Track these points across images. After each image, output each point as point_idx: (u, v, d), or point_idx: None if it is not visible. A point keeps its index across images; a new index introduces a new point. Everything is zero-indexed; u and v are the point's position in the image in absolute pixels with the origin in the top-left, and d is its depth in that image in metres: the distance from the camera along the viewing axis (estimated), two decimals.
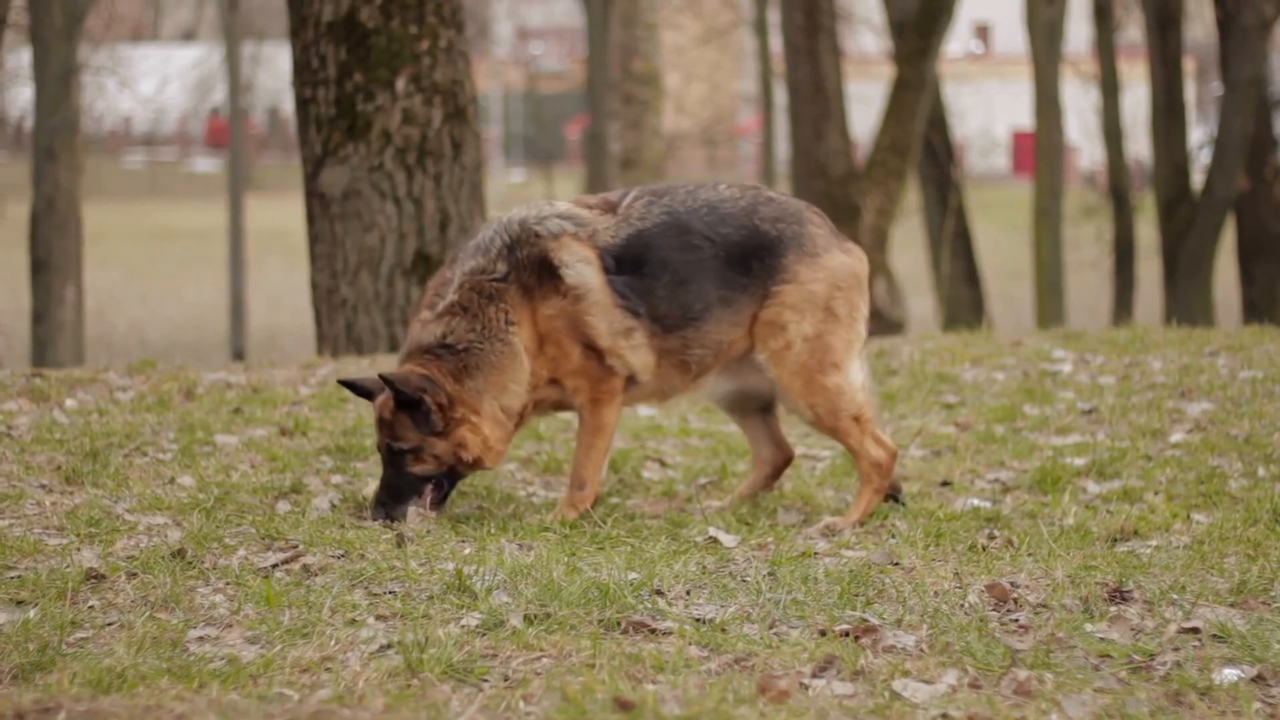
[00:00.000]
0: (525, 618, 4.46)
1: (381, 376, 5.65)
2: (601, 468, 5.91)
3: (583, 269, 5.72)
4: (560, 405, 6.02)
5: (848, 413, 5.85)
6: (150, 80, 49.25)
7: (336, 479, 6.23)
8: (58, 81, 23.29)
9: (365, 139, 9.67)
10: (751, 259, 5.80)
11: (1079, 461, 6.58)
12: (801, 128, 18.03)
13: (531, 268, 5.72)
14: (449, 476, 5.77)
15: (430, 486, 5.74)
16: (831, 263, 5.85)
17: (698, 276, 5.78)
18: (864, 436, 5.88)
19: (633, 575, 4.84)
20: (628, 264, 5.75)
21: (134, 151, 62.84)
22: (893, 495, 6.04)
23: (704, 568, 5.02)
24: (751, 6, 36.66)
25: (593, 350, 5.76)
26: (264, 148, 61.40)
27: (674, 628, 4.42)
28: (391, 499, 5.70)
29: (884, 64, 28.02)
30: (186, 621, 4.49)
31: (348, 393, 7.74)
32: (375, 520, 5.63)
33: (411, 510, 5.78)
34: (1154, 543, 5.45)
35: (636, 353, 5.79)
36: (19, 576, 4.81)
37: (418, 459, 5.71)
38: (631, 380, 5.85)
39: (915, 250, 25.71)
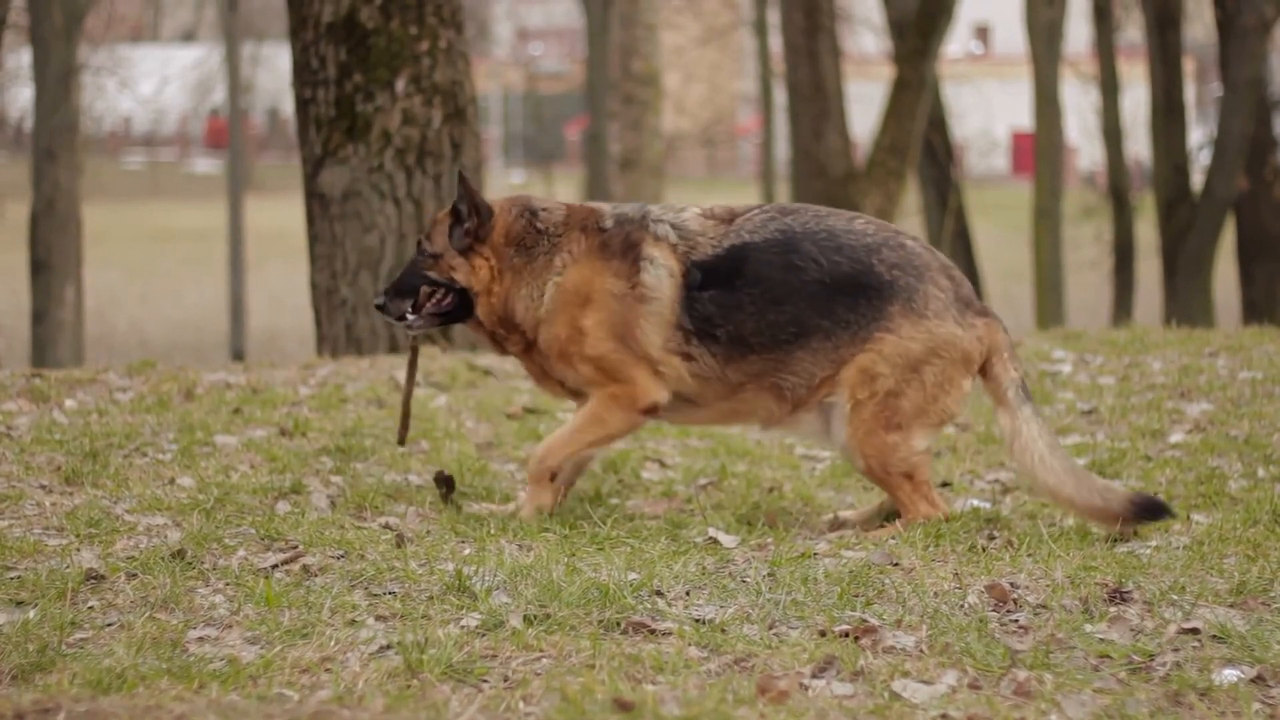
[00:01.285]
0: (525, 618, 4.46)
1: (461, 173, 5.90)
2: (571, 456, 5.86)
3: (661, 275, 5.71)
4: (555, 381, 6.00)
5: (898, 470, 5.67)
6: (150, 81, 49.25)
7: (336, 479, 6.23)
8: (57, 82, 23.30)
9: (365, 140, 9.67)
10: (860, 297, 5.63)
11: (1079, 462, 6.58)
12: (801, 128, 18.04)
13: (624, 244, 5.77)
14: (453, 300, 5.90)
15: (433, 293, 5.90)
16: (938, 330, 5.63)
17: (794, 299, 5.66)
18: (914, 493, 5.70)
19: (632, 576, 4.84)
20: (720, 275, 5.68)
21: (134, 152, 62.86)
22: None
23: (704, 568, 5.02)
24: (751, 7, 36.66)
25: (629, 352, 5.73)
26: (264, 148, 61.43)
27: (674, 628, 4.42)
28: (395, 291, 5.95)
29: (884, 64, 28.02)
30: (186, 622, 4.49)
31: (347, 392, 7.76)
32: (375, 302, 5.98)
33: (411, 511, 5.78)
34: (1154, 543, 5.45)
35: (688, 378, 5.75)
36: (19, 577, 4.81)
37: (435, 264, 5.89)
38: (687, 401, 5.81)
39: None
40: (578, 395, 5.97)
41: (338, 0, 9.64)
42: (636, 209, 5.89)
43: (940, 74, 21.30)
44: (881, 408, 5.64)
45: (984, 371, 5.74)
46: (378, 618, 4.53)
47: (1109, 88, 24.19)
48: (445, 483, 6.09)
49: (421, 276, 5.91)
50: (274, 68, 45.14)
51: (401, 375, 8.06)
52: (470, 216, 5.87)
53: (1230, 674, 4.14)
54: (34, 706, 3.83)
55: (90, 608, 4.60)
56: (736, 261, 5.68)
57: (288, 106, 48.95)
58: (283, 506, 5.80)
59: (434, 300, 5.92)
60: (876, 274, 5.64)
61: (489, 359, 8.61)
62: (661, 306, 5.70)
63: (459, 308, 5.92)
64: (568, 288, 5.78)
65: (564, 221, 5.88)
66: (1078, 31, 30.89)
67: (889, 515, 5.88)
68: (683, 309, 5.70)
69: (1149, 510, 5.57)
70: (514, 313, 5.86)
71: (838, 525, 5.86)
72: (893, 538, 5.47)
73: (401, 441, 6.31)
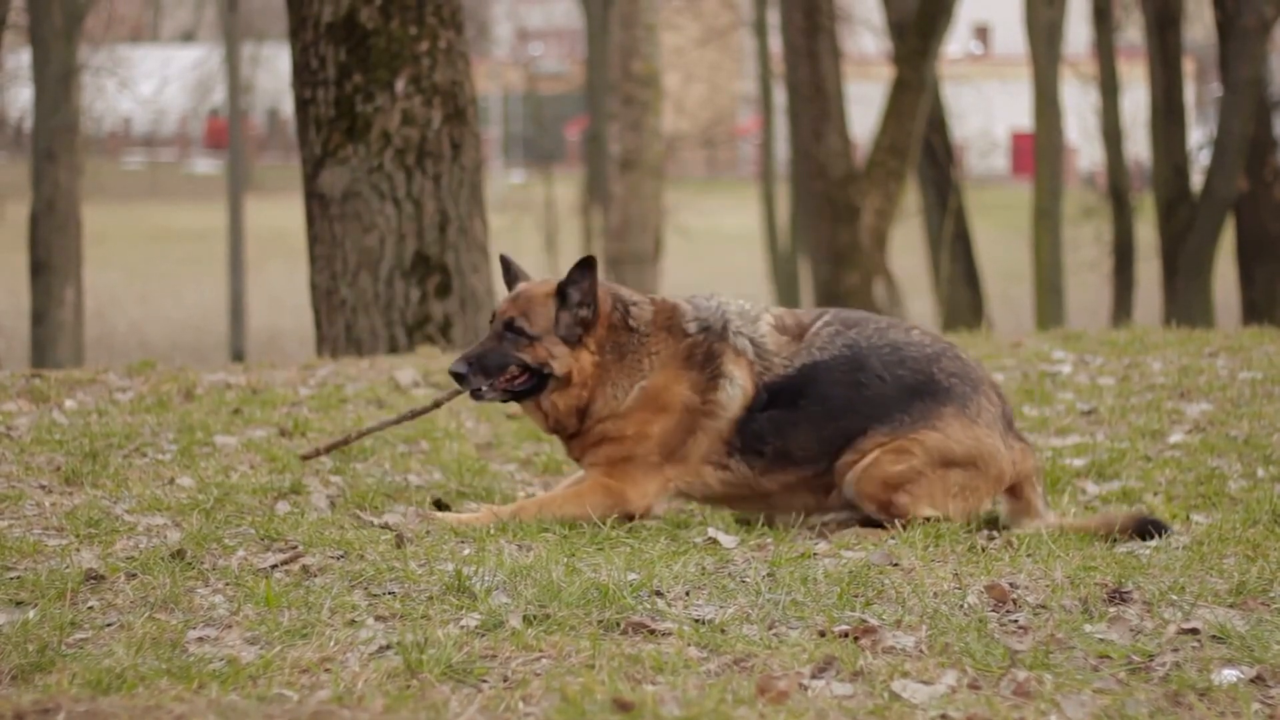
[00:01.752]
0: (525, 618, 4.46)
1: (589, 260, 5.64)
2: (540, 520, 5.61)
3: (735, 394, 5.67)
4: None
5: (895, 514, 5.65)
6: (150, 81, 49.27)
7: (336, 480, 6.23)
8: (57, 82, 23.31)
9: (365, 140, 9.68)
10: (916, 400, 5.67)
11: (1078, 462, 6.59)
12: (801, 129, 18.05)
13: (706, 355, 5.69)
14: (535, 381, 5.68)
15: (516, 374, 5.68)
16: (986, 440, 5.67)
17: (852, 413, 5.67)
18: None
19: (632, 576, 4.84)
20: (787, 395, 5.67)
21: (134, 152, 62.88)
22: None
23: (703, 569, 5.02)
24: (751, 7, 36.66)
25: (660, 461, 5.68)
26: (264, 149, 61.45)
27: (673, 628, 4.42)
28: (481, 367, 5.65)
29: (883, 65, 28.03)
30: (186, 622, 4.49)
31: (347, 393, 7.76)
32: (453, 371, 5.67)
33: (412, 510, 5.78)
34: (1153, 543, 5.45)
35: (716, 485, 5.73)
36: (18, 577, 4.81)
37: (531, 346, 5.66)
38: (707, 498, 5.81)
39: (915, 252, 25.72)
40: (561, 436, 5.87)
41: (337, 1, 9.65)
42: (716, 313, 5.78)
43: (940, 74, 21.31)
44: (901, 477, 5.64)
45: (1013, 492, 5.77)
46: (377, 618, 4.53)
47: (1109, 88, 24.19)
48: (441, 508, 5.98)
49: (514, 358, 5.66)
50: (274, 68, 45.14)
51: (401, 376, 8.06)
52: (585, 307, 5.67)
53: (1230, 674, 4.13)
54: (34, 707, 3.83)
55: (90, 608, 4.60)
56: (805, 382, 5.68)
57: (287, 107, 48.95)
58: (282, 507, 5.80)
59: (515, 380, 5.70)
60: (937, 380, 5.69)
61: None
62: (723, 425, 5.68)
63: (535, 389, 5.72)
64: (650, 392, 5.69)
65: (652, 320, 5.75)
66: (1077, 32, 30.90)
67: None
68: (738, 427, 5.68)
69: None
70: (593, 406, 5.72)
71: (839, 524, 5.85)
72: (892, 538, 5.47)
73: (312, 455, 6.25)
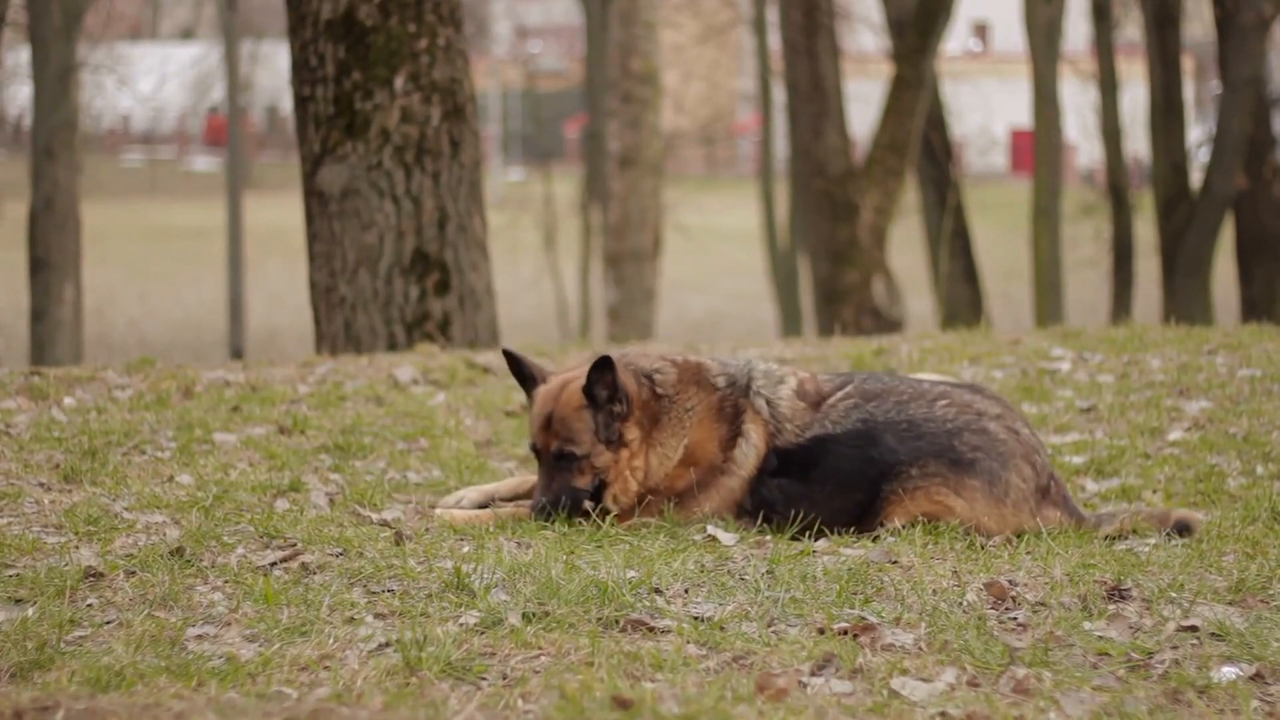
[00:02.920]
0: (524, 616, 4.46)
1: (605, 357, 5.50)
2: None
3: (750, 454, 5.61)
4: None
5: None
6: (149, 79, 49.29)
7: (335, 477, 6.23)
8: (56, 80, 23.30)
9: (364, 137, 9.67)
10: (933, 460, 5.53)
11: (1077, 460, 6.59)
12: (800, 126, 18.04)
13: (733, 411, 5.63)
14: (593, 495, 5.60)
15: (588, 498, 5.57)
16: (1013, 519, 5.50)
17: (863, 488, 5.56)
18: None
19: (631, 573, 4.84)
20: (796, 464, 5.59)
21: (132, 150, 62.88)
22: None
23: (702, 566, 5.02)
24: (750, 5, 36.64)
25: (675, 500, 5.62)
26: (263, 146, 61.45)
27: (672, 626, 4.42)
28: (564, 506, 5.53)
29: (882, 62, 28.01)
30: (185, 620, 4.49)
31: (346, 390, 7.76)
32: (535, 512, 5.52)
33: (411, 507, 5.78)
34: (1152, 541, 5.45)
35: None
36: (17, 575, 4.81)
37: (582, 467, 5.57)
38: None
39: (914, 249, 25.72)
40: None
41: None
42: (742, 370, 5.73)
43: (939, 72, 21.29)
44: (935, 514, 5.51)
45: None
46: (376, 615, 4.53)
47: (1108, 86, 24.19)
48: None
49: (578, 489, 5.56)
50: (273, 65, 45.17)
51: (400, 373, 8.06)
52: (618, 403, 5.56)
53: (1229, 671, 4.14)
54: (33, 704, 3.83)
55: (89, 605, 4.60)
56: (814, 455, 5.59)
57: (286, 104, 48.94)
58: (281, 504, 5.80)
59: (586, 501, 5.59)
60: (958, 453, 5.55)
61: (488, 357, 8.61)
62: (735, 484, 5.63)
63: (602, 496, 5.61)
64: (690, 447, 5.63)
65: (677, 381, 5.68)
66: (1077, 30, 30.92)
67: None
68: (750, 491, 5.63)
69: None
70: (650, 478, 5.62)
71: None
72: (891, 536, 5.47)
73: None
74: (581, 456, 5.55)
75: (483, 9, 50.90)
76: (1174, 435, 6.93)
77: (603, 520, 5.53)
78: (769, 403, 5.65)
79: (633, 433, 5.59)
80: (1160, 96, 21.56)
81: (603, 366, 5.51)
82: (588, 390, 5.55)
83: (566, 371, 5.75)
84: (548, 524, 5.50)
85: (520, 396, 7.80)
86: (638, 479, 5.60)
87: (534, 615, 4.48)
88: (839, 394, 5.67)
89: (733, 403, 5.65)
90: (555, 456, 5.57)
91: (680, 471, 5.64)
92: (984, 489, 5.51)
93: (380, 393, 7.80)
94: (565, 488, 5.57)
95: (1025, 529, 5.51)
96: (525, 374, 5.74)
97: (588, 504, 5.59)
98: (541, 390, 5.66)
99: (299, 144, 9.97)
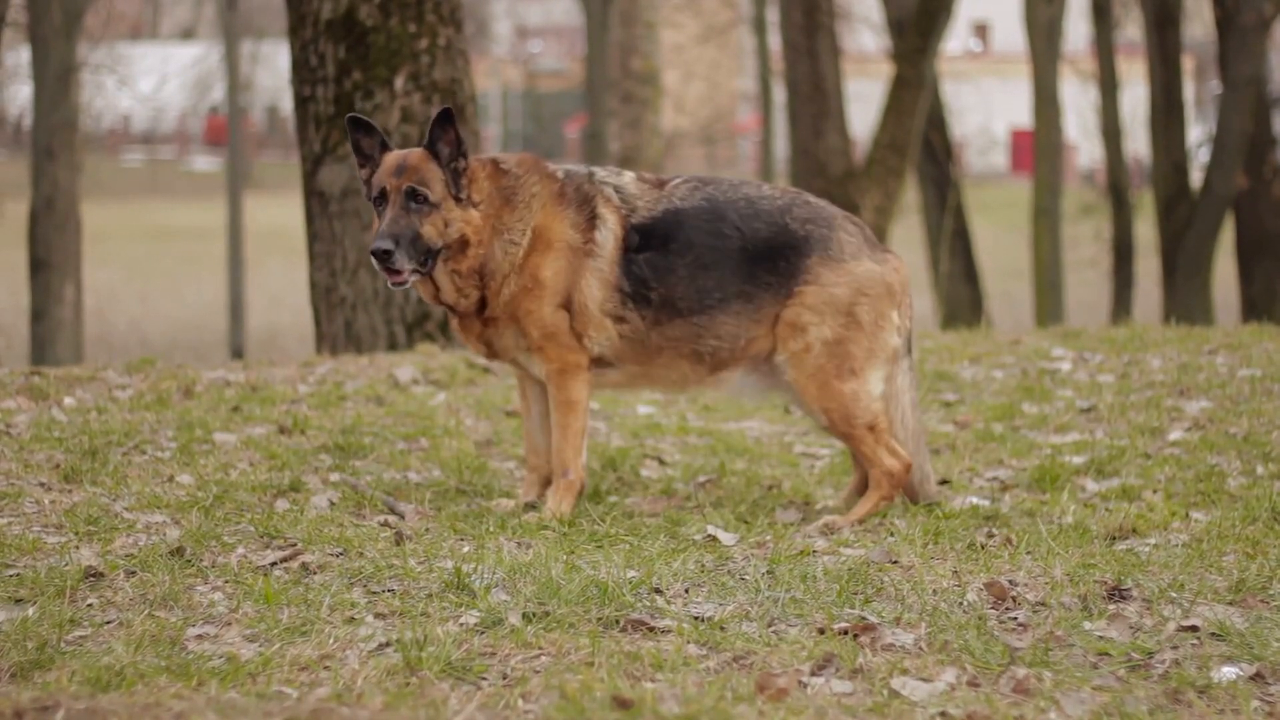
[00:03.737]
0: (524, 616, 4.46)
1: (445, 109, 5.62)
2: (580, 449, 5.88)
3: (608, 236, 5.80)
4: (504, 351, 5.95)
5: (862, 420, 5.83)
6: (149, 78, 49.28)
7: (335, 477, 6.23)
8: (57, 80, 23.29)
9: None
10: (778, 257, 5.83)
11: (1078, 460, 6.59)
12: (801, 126, 18.03)
13: (579, 196, 5.82)
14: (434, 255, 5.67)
15: (425, 253, 5.63)
16: (857, 269, 5.83)
17: (721, 265, 5.82)
18: (878, 445, 5.86)
19: (631, 573, 4.84)
20: (656, 238, 5.81)
21: (133, 150, 62.86)
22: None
23: (703, 566, 5.02)
24: (750, 5, 36.66)
25: (569, 313, 5.78)
26: (263, 146, 61.42)
27: (673, 626, 4.42)
28: (404, 242, 5.57)
29: (883, 62, 28.02)
30: (185, 619, 4.49)
31: (346, 390, 7.75)
32: (378, 250, 5.54)
33: (410, 509, 5.78)
34: (1152, 541, 5.45)
35: (616, 340, 5.83)
36: (18, 574, 4.82)
37: (432, 215, 5.63)
38: (603, 363, 5.88)
39: (914, 249, 25.71)
40: (498, 358, 5.96)
41: None
42: (578, 166, 5.97)
43: (939, 72, 21.29)
44: (828, 357, 5.81)
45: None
46: (377, 615, 4.53)
47: (1108, 86, 24.19)
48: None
49: (419, 236, 5.61)
50: (273, 65, 45.16)
51: (401, 373, 8.06)
52: (460, 158, 5.67)
53: (1229, 671, 4.14)
54: (33, 704, 3.83)
55: (89, 605, 4.60)
56: (671, 225, 5.83)
57: (287, 104, 48.95)
58: (282, 504, 5.80)
59: (421, 258, 5.67)
60: (791, 231, 5.85)
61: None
62: (604, 265, 5.79)
63: (446, 254, 5.71)
64: (538, 231, 5.80)
65: (519, 165, 5.88)
66: (1077, 29, 30.90)
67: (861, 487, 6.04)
68: (621, 271, 5.80)
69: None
70: (490, 262, 5.76)
71: (830, 529, 5.85)
72: (891, 535, 5.47)
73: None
74: (434, 204, 5.62)
75: (483, 9, 50.91)
76: (1174, 435, 6.93)
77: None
78: (617, 189, 5.88)
79: (475, 200, 5.70)
80: (1160, 96, 21.56)
81: (443, 119, 5.63)
82: (430, 145, 5.65)
83: None
84: (387, 264, 5.52)
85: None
86: (476, 254, 5.69)
87: (534, 615, 4.48)
88: (677, 179, 5.99)
89: (576, 187, 5.85)
90: (406, 195, 5.61)
91: (536, 260, 5.76)
92: (821, 257, 5.82)
93: (381, 393, 7.80)
94: (411, 228, 5.60)
95: (876, 276, 5.81)
96: (376, 144, 5.78)
97: (444, 279, 5.71)
98: (394, 153, 5.74)
99: (299, 144, 9.97)
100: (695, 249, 5.81)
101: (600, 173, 5.95)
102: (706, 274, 5.82)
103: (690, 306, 5.82)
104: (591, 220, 5.81)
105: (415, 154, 5.70)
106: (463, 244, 5.70)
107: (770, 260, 5.82)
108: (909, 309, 5.95)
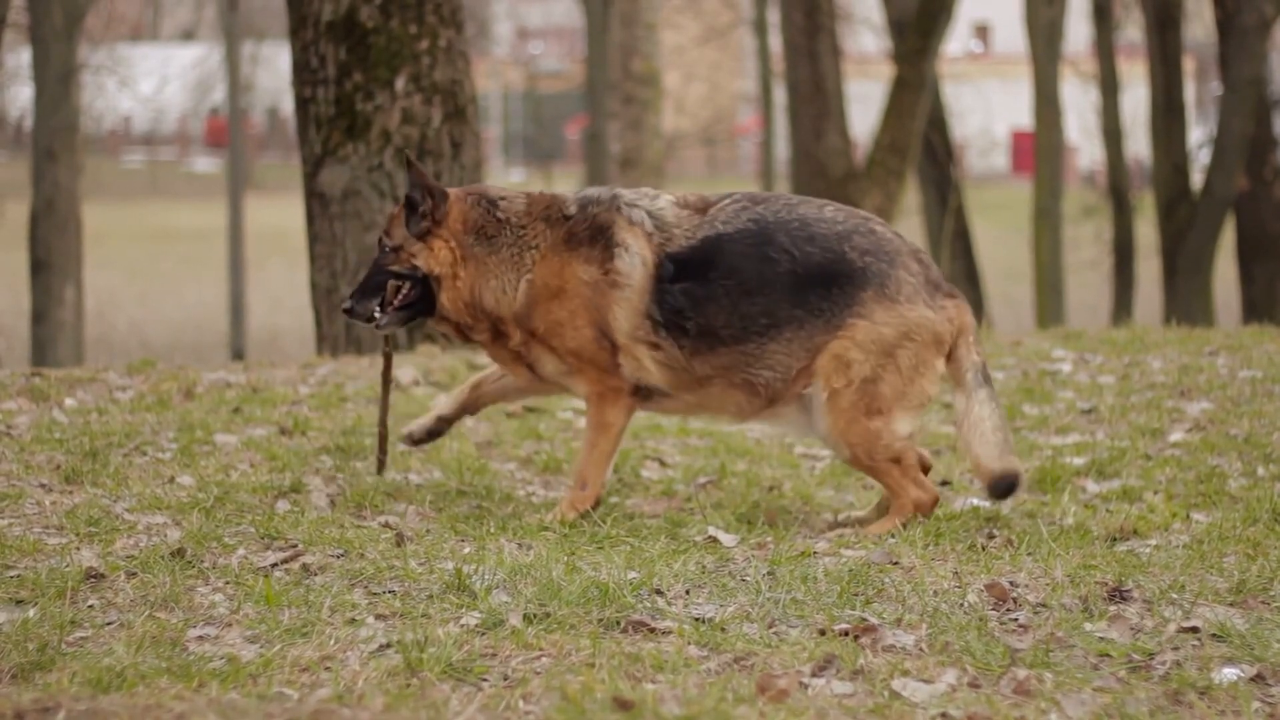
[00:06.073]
0: (525, 617, 4.46)
1: (408, 158, 5.86)
2: (605, 470, 5.83)
3: (634, 263, 5.68)
4: (517, 391, 6.04)
5: (885, 455, 5.67)
6: (150, 80, 49.23)
7: (336, 478, 6.23)
8: (57, 81, 23.29)
9: (365, 138, 9.67)
10: (831, 284, 5.62)
11: (1078, 461, 6.59)
12: (801, 127, 18.03)
13: (591, 230, 5.74)
14: (417, 291, 5.81)
15: (399, 288, 5.81)
16: (910, 313, 5.63)
17: (767, 291, 5.64)
18: (904, 478, 5.70)
19: (632, 574, 4.84)
20: (694, 267, 5.65)
21: (134, 151, 62.82)
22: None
23: (703, 567, 5.02)
24: (751, 6, 36.64)
25: (607, 340, 5.72)
26: (264, 147, 61.39)
27: (673, 627, 4.42)
28: (362, 292, 5.86)
29: (883, 63, 28.01)
30: (186, 621, 4.49)
31: (347, 391, 7.75)
32: (344, 307, 5.89)
33: (412, 510, 5.78)
34: (1153, 542, 5.45)
35: (652, 366, 5.73)
36: (18, 576, 4.82)
37: (396, 256, 5.81)
38: (657, 392, 5.80)
39: None
40: (545, 382, 5.96)
41: (337, 0, 9.64)
42: (605, 192, 5.86)
43: (940, 73, 21.29)
44: (860, 395, 5.64)
45: (949, 354, 5.75)
46: (377, 616, 4.53)
47: (1109, 87, 24.19)
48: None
49: (385, 272, 5.82)
50: (274, 67, 45.08)
51: (401, 374, 8.05)
52: (424, 200, 5.80)
53: (1230, 673, 4.14)
54: (34, 705, 3.83)
55: (90, 606, 4.60)
56: (710, 253, 5.67)
57: (287, 105, 48.93)
58: (282, 505, 5.80)
59: (400, 295, 5.83)
60: (849, 260, 5.64)
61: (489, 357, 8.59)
62: (632, 295, 5.68)
63: (423, 298, 5.82)
64: (539, 284, 5.76)
65: (526, 211, 5.84)
66: (1078, 31, 30.88)
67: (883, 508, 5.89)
68: (653, 299, 5.68)
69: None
70: (483, 301, 5.80)
71: (839, 525, 5.85)
72: (892, 536, 5.47)
73: (380, 469, 6.22)
74: (393, 248, 5.82)
75: (484, 10, 50.88)
76: (1175, 436, 6.93)
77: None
78: (650, 214, 5.75)
79: (443, 235, 5.78)
80: (1161, 97, 21.55)
81: (406, 164, 5.86)
82: (408, 194, 5.84)
83: None
84: (353, 317, 5.86)
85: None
86: (456, 287, 5.78)
87: (535, 616, 4.48)
88: (725, 200, 5.80)
89: (589, 223, 5.76)
90: (379, 249, 5.90)
91: (546, 308, 5.74)
92: (875, 295, 5.62)
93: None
94: (375, 276, 5.85)
95: (926, 324, 5.61)
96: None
97: (437, 323, 5.89)
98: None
99: (300, 145, 9.97)
100: (738, 274, 5.64)
101: (628, 195, 5.80)
102: (751, 300, 5.64)
103: (735, 335, 5.66)
104: (608, 250, 5.69)
105: (395, 210, 5.95)
106: (436, 278, 5.79)
107: (824, 286, 5.61)
108: (975, 344, 5.73)
